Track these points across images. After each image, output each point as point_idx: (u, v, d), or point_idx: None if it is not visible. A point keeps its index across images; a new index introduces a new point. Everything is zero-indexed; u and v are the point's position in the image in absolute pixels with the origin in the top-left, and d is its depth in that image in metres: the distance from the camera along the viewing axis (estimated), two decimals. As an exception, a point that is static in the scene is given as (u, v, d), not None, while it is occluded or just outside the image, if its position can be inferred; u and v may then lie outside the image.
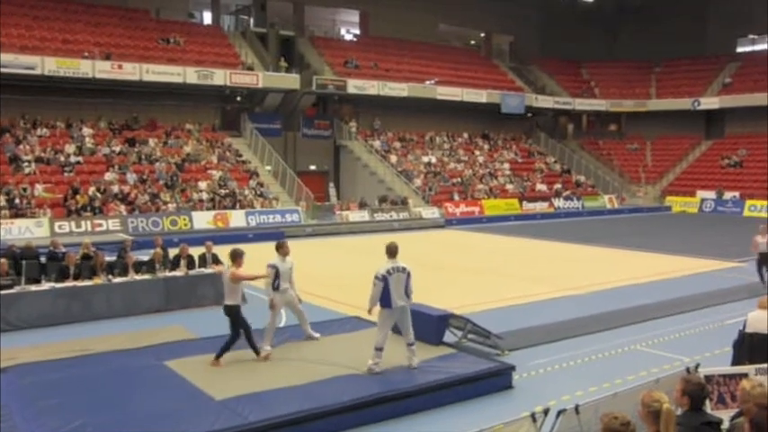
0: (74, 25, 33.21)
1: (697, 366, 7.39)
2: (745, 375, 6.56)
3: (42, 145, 29.59)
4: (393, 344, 9.64)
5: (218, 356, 9.77)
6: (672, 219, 37.86)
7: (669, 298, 15.55)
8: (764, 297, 9.83)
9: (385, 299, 9.33)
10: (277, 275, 10.53)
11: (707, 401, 6.39)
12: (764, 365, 7.12)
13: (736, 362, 8.91)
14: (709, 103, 46.47)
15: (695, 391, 4.90)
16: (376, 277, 9.35)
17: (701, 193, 42.15)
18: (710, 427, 4.86)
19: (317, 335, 11.05)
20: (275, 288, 10.53)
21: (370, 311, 9.69)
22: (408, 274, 9.47)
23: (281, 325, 12.95)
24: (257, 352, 9.97)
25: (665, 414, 4.29)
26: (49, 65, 29.15)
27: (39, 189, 26.91)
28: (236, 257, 10.28)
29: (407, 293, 9.50)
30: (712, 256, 21.96)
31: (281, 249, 10.81)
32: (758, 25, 47.46)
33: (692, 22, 48.73)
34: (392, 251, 9.57)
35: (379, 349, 9.37)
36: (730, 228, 32.47)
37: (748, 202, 39.37)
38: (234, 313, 10.01)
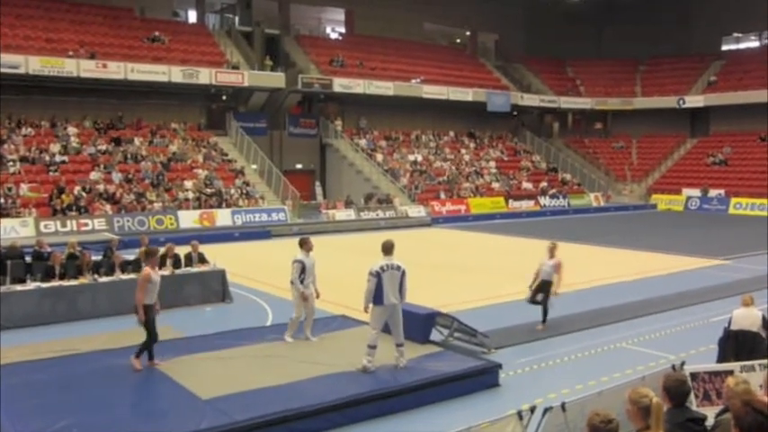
0: (57, 24, 32.98)
1: (683, 364, 7.44)
2: (731, 372, 6.61)
3: (27, 144, 29.37)
4: (381, 343, 9.64)
5: (138, 355, 9.62)
6: (657, 217, 38.08)
7: (655, 296, 15.64)
8: (749, 294, 9.92)
9: (377, 296, 9.30)
10: (303, 270, 10.67)
11: (692, 398, 6.45)
12: (749, 362, 7.17)
13: (721, 359, 8.98)
14: (695, 101, 46.76)
15: (677, 388, 4.92)
16: (370, 273, 9.34)
17: (686, 191, 42.38)
18: (695, 423, 4.89)
19: (314, 338, 10.98)
20: (301, 282, 10.68)
21: (365, 309, 9.62)
22: (403, 273, 9.46)
23: (268, 324, 12.96)
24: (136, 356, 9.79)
25: (656, 408, 4.32)
26: (33, 64, 28.95)
27: (24, 189, 26.71)
28: (149, 256, 10.55)
29: (401, 292, 9.47)
30: (697, 254, 22.09)
31: (306, 245, 10.92)
32: (743, 23, 47.91)
33: (678, 21, 49.04)
34: (388, 248, 9.56)
35: (372, 347, 9.36)
36: (715, 225, 32.71)
37: (733, 200, 39.63)
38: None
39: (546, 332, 12.35)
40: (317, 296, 11.08)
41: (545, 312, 12.59)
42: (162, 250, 15.61)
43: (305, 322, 11.07)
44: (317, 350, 10.48)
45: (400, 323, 9.55)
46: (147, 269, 10.02)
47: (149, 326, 9.73)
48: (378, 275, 9.28)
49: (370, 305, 9.43)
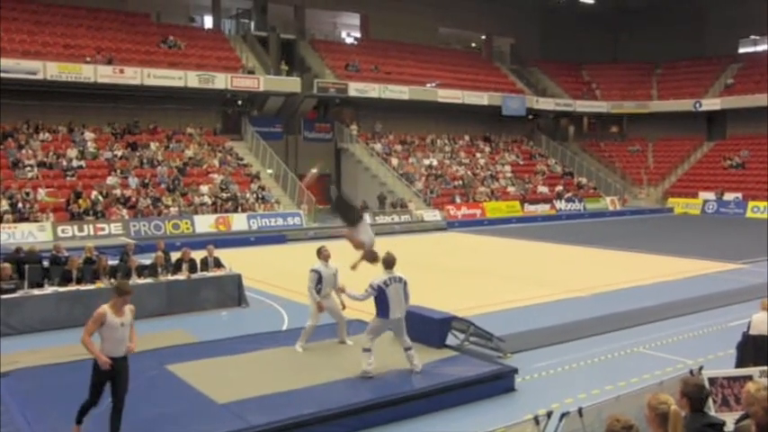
0: (75, 30, 33.26)
1: (700, 369, 7.37)
2: (750, 378, 6.54)
3: (45, 149, 29.63)
4: (394, 346, 9.62)
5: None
6: (674, 220, 37.82)
7: (672, 300, 15.52)
8: (767, 299, 9.81)
9: (383, 310, 9.26)
10: (320, 280, 10.61)
11: (710, 403, 6.39)
12: (768, 367, 7.09)
13: (739, 364, 8.89)
14: (711, 104, 46.41)
15: (693, 392, 4.89)
16: (370, 285, 9.29)
17: (703, 195, 42.08)
18: (713, 428, 4.84)
19: (351, 342, 10.91)
20: (318, 293, 10.62)
21: (337, 291, 10.17)
22: (405, 283, 9.42)
23: (284, 328, 12.99)
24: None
25: (673, 416, 4.28)
26: (51, 70, 29.22)
27: (41, 193, 26.94)
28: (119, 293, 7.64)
29: (406, 302, 9.47)
30: (715, 258, 21.92)
31: (321, 254, 10.85)
32: (760, 26, 47.40)
33: (694, 24, 48.72)
34: (389, 263, 9.46)
35: (367, 350, 9.33)
36: (733, 229, 32.45)
37: (751, 204, 39.31)
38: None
39: (562, 336, 12.29)
40: (343, 307, 10.94)
41: None
42: (178, 255, 15.73)
43: (338, 329, 11.03)
44: (332, 354, 10.48)
45: (404, 332, 9.48)
46: (102, 308, 7.32)
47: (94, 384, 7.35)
48: (380, 290, 9.22)
49: (374, 317, 9.43)
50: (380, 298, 9.25)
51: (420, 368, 9.47)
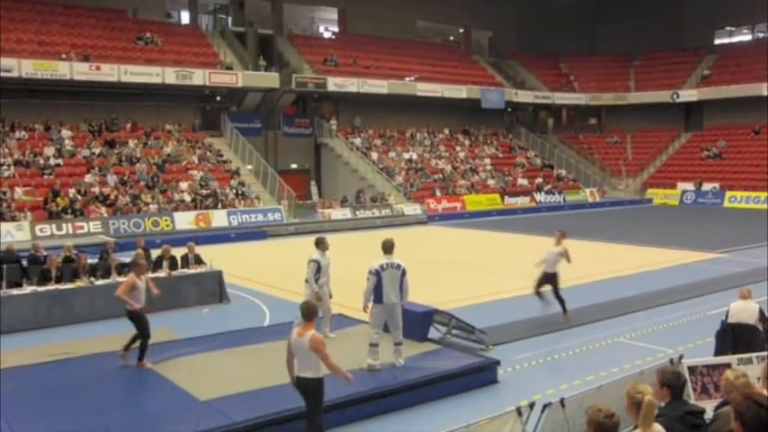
0: (50, 27, 32.87)
1: (680, 357, 7.45)
2: (728, 365, 6.62)
3: (21, 148, 29.28)
4: (381, 342, 9.62)
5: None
6: (653, 211, 38.14)
7: (651, 290, 15.68)
8: (746, 287, 9.95)
9: (377, 294, 9.30)
10: (318, 270, 10.74)
11: (690, 391, 6.47)
12: (747, 355, 7.19)
13: (718, 352, 9.00)
14: (688, 95, 46.81)
15: (671, 380, 4.95)
16: (369, 272, 9.33)
17: (681, 185, 42.47)
18: (693, 416, 4.90)
19: (333, 335, 10.96)
20: (316, 282, 10.73)
21: (365, 309, 9.60)
22: (403, 272, 9.42)
23: (266, 324, 12.96)
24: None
25: (645, 405, 4.32)
26: (26, 67, 28.86)
27: (18, 192, 26.64)
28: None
29: (402, 291, 9.43)
30: (693, 248, 22.13)
31: (321, 245, 11.00)
32: (735, 17, 47.97)
33: (670, 15, 49.06)
34: (388, 247, 9.53)
35: (374, 345, 9.35)
36: (711, 219, 32.78)
37: (728, 194, 39.74)
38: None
39: (544, 328, 12.37)
40: (330, 296, 11.13)
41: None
42: (158, 252, 15.63)
43: (323, 320, 11.05)
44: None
45: (400, 322, 9.53)
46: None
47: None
48: (377, 274, 9.27)
49: (370, 304, 9.42)
50: (376, 282, 9.27)
51: (401, 364, 9.48)
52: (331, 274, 11.16)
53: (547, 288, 13.04)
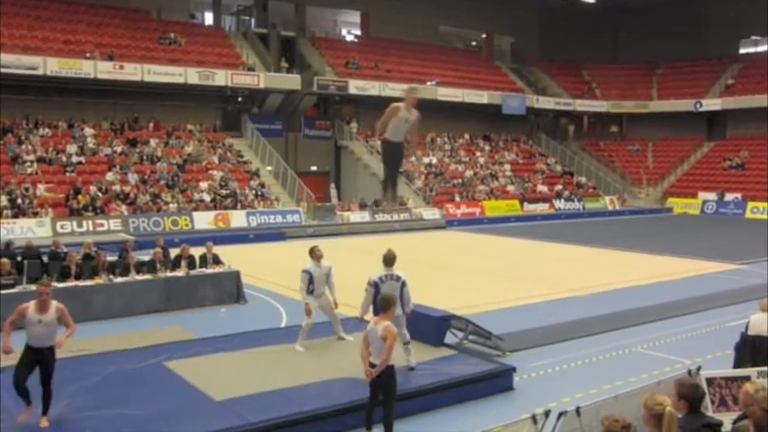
0: (75, 26, 33.22)
1: (698, 369, 7.37)
2: (747, 378, 6.54)
3: (44, 145, 29.62)
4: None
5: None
6: (673, 220, 37.82)
7: (670, 300, 15.53)
8: (766, 299, 9.82)
9: (376, 306, 9.09)
10: (311, 280, 10.59)
11: (707, 404, 6.40)
12: (766, 368, 7.09)
13: (737, 364, 8.89)
14: (711, 104, 46.37)
15: (690, 393, 4.90)
16: (368, 283, 9.32)
17: (702, 195, 42.09)
18: (711, 429, 4.84)
19: (351, 338, 10.92)
20: (309, 293, 10.60)
21: (361, 318, 9.60)
22: (403, 283, 9.34)
23: (282, 326, 12.99)
24: None
25: (668, 417, 4.28)
26: (51, 65, 29.20)
27: (41, 189, 26.93)
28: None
29: (403, 303, 9.33)
30: (714, 258, 21.92)
31: (314, 254, 10.82)
32: (761, 26, 47.38)
33: (694, 23, 48.65)
34: (388, 261, 9.45)
35: (406, 343, 9.39)
36: (732, 229, 32.45)
37: (750, 204, 39.32)
38: None
39: (561, 335, 12.30)
40: (335, 306, 10.96)
41: None
42: (177, 251, 15.73)
43: (333, 327, 11.06)
44: (330, 352, 10.48)
45: (403, 326, 9.42)
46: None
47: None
48: (375, 285, 9.24)
49: (368, 316, 9.38)
50: (374, 294, 9.23)
51: (414, 365, 9.47)
52: (335, 281, 10.93)
53: None
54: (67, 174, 28.52)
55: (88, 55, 30.81)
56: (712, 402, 6.60)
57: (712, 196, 41.56)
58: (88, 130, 31.43)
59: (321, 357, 10.18)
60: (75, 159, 29.42)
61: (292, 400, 8.29)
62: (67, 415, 7.91)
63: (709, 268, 20.36)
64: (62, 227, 25.21)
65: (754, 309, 9.71)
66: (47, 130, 30.63)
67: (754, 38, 49.76)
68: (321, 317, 11.02)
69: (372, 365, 7.52)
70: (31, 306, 8.00)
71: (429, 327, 10.63)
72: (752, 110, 43.55)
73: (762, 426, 3.88)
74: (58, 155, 29.32)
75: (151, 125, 33.63)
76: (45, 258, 15.80)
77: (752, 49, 50.37)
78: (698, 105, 46.52)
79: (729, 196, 41.09)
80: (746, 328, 9.38)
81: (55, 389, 8.23)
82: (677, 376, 6.63)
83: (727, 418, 5.76)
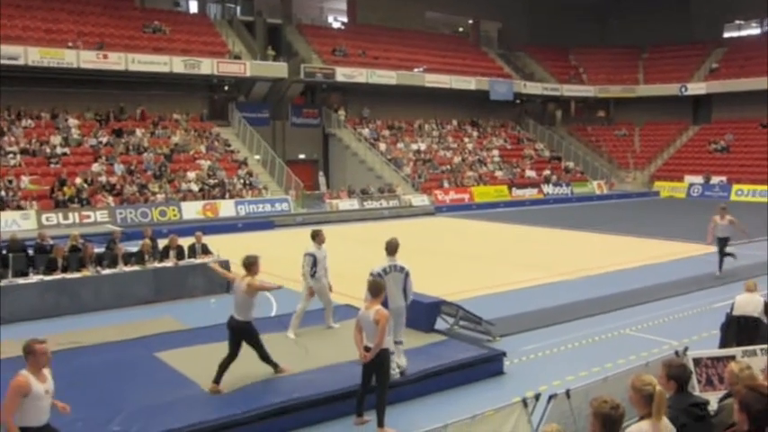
0: (57, 14, 32.89)
1: (686, 350, 7.44)
2: (733, 358, 6.62)
3: (27, 136, 29.34)
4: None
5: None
6: (660, 204, 38.03)
7: (657, 282, 15.65)
8: (752, 280, 9.93)
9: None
10: (315, 263, 10.64)
11: (694, 383, 6.47)
12: (752, 347, 7.17)
13: (723, 344, 9.00)
14: (697, 88, 46.61)
15: (679, 373, 4.96)
16: (371, 275, 9.08)
17: (688, 178, 42.35)
18: (698, 408, 4.91)
19: (337, 325, 11.02)
20: (312, 276, 10.65)
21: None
22: (407, 274, 9.14)
23: (272, 315, 12.99)
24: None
25: (658, 396, 4.34)
26: (33, 55, 28.90)
27: (25, 181, 26.71)
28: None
29: (406, 294, 9.18)
30: (700, 241, 21.99)
31: (318, 238, 10.86)
32: (744, 10, 47.66)
33: (679, 8, 48.82)
34: (391, 249, 9.24)
35: (397, 343, 9.21)
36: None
37: (735, 187, 39.60)
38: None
39: (550, 319, 12.38)
40: (330, 289, 11.06)
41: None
42: (165, 242, 15.68)
43: (325, 313, 11.11)
44: (320, 340, 10.50)
45: (402, 325, 9.32)
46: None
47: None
48: (379, 277, 8.94)
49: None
50: None
51: (404, 369, 9.09)
52: (329, 266, 11.01)
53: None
54: (52, 165, 28.29)
55: (70, 44, 30.52)
56: (699, 382, 6.68)
57: (698, 179, 41.81)
58: (72, 121, 31.17)
59: (311, 345, 10.20)
60: (59, 150, 29.19)
61: (284, 388, 8.32)
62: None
63: (696, 250, 20.46)
64: (47, 219, 25.02)
65: (740, 289, 9.82)
66: (30, 121, 30.34)
67: (737, 22, 50.04)
68: (311, 305, 11.03)
69: (367, 349, 7.58)
70: (28, 378, 5.76)
71: (420, 313, 10.65)
72: (736, 93, 43.83)
73: (746, 403, 3.93)
74: (41, 146, 29.08)
75: (138, 113, 33.35)
76: (31, 251, 15.68)
77: (735, 33, 50.64)
78: (683, 89, 46.73)
79: (715, 179, 41.34)
80: (732, 308, 9.49)
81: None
82: (665, 357, 6.69)
83: (713, 397, 5.83)
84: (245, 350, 8.99)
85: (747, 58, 45.35)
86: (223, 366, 8.43)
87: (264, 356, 8.83)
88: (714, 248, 16.84)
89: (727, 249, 16.67)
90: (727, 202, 22.19)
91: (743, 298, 9.41)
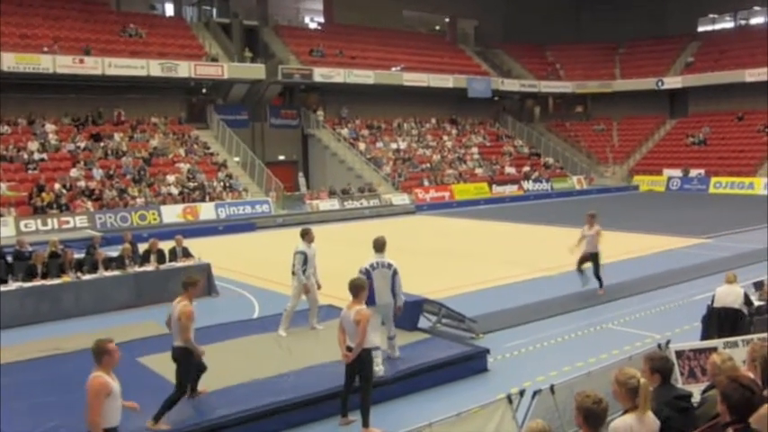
0: (32, 19, 32.54)
1: (668, 342, 7.50)
2: (715, 349, 6.67)
3: (4, 143, 29.01)
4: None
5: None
6: (639, 198, 38.32)
7: (638, 276, 15.78)
8: (732, 272, 10.02)
9: (369, 296, 8.77)
10: (305, 261, 10.72)
11: (677, 375, 6.52)
12: (733, 339, 7.24)
13: (705, 336, 9.07)
14: (673, 82, 46.99)
15: (662, 366, 5.00)
16: (359, 272, 9.11)
17: (667, 172, 42.70)
18: (682, 400, 4.95)
19: (321, 326, 11.04)
20: (303, 273, 10.73)
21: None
22: (395, 272, 9.17)
23: (255, 316, 12.95)
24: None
25: (643, 389, 4.39)
26: (8, 61, 28.57)
27: (2, 187, 26.42)
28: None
29: (394, 292, 9.20)
30: (680, 234, 22.26)
31: (307, 236, 10.95)
32: (717, 5, 48.13)
33: (653, 3, 49.19)
34: (379, 246, 9.34)
35: (391, 338, 9.41)
36: (696, 205, 32.95)
37: (713, 179, 39.98)
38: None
39: (533, 315, 12.44)
40: (319, 287, 11.14)
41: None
42: (146, 246, 15.58)
43: (309, 312, 11.15)
44: (304, 341, 10.48)
45: (392, 320, 9.40)
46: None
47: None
48: (366, 274, 9.00)
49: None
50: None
51: (398, 355, 9.47)
52: (318, 264, 11.15)
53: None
54: (29, 171, 28.01)
55: (46, 49, 30.22)
56: (681, 374, 6.73)
57: (677, 173, 42.16)
58: (49, 126, 30.88)
59: (295, 346, 10.17)
60: (36, 156, 28.91)
61: (268, 390, 8.29)
62: (41, 414, 7.81)
63: (676, 243, 20.68)
64: (26, 226, 24.78)
65: (720, 281, 9.91)
66: (6, 127, 29.99)
67: (711, 16, 50.47)
68: (298, 306, 11.01)
69: (350, 349, 7.60)
70: (105, 377, 5.84)
71: (403, 311, 10.63)
72: (712, 87, 44.24)
73: (728, 394, 3.97)
74: (19, 152, 28.77)
75: (116, 116, 33.05)
76: (9, 258, 15.52)
77: (709, 27, 51.09)
78: (660, 83, 47.09)
79: (693, 172, 41.70)
80: (712, 300, 9.57)
81: (27, 389, 8.13)
82: (648, 350, 6.74)
83: (696, 389, 5.88)
84: (230, 354, 8.96)
85: (722, 51, 45.82)
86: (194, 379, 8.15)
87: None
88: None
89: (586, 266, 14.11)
90: (705, 195, 22.36)
91: (723, 290, 9.49)
